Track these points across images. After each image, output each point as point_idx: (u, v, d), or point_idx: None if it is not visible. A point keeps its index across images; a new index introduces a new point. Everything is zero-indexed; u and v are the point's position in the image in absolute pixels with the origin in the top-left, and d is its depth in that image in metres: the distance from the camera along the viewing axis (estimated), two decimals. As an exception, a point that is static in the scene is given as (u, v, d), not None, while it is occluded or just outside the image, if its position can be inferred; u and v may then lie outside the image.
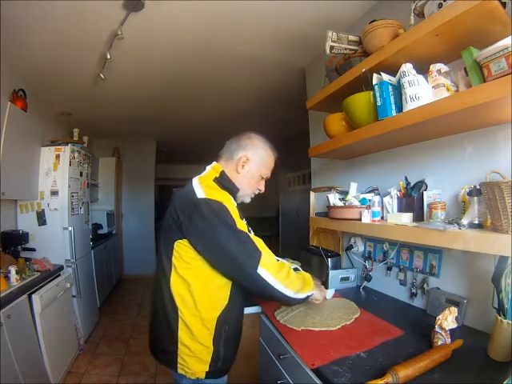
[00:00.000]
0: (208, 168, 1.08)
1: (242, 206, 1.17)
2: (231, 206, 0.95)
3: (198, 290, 0.94)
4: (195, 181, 1.00)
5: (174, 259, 0.95)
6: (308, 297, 1.02)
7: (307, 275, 1.07)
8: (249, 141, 1.08)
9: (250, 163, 1.06)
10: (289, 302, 1.06)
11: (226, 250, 0.90)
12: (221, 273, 0.95)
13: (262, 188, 1.14)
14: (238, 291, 1.01)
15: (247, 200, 1.12)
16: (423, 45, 1.04)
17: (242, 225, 0.94)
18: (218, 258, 0.93)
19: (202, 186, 0.97)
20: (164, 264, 0.97)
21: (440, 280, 1.24)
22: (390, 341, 1.01)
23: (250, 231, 1.00)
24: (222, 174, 1.04)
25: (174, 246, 0.94)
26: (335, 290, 1.41)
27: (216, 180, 1.01)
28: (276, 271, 0.92)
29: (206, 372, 0.96)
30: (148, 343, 1.09)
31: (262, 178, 1.12)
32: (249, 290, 0.98)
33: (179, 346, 0.95)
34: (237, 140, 1.09)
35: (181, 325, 0.95)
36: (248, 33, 1.91)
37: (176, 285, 0.95)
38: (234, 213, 0.94)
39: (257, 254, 0.91)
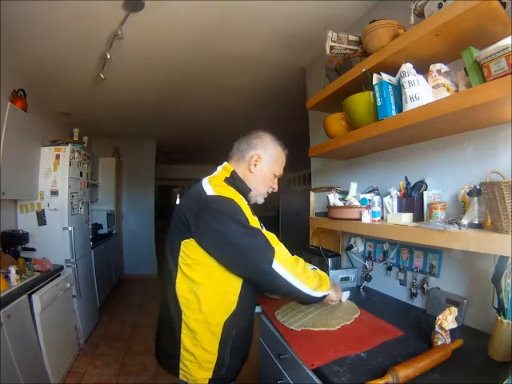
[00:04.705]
0: (219, 168, 1.06)
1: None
2: (242, 202, 0.93)
3: (204, 292, 0.92)
4: (205, 180, 0.98)
5: (180, 260, 0.93)
6: (324, 296, 1.02)
7: (323, 274, 1.05)
8: (259, 139, 1.06)
9: (262, 161, 1.05)
10: (306, 300, 1.01)
11: (239, 247, 0.88)
12: (234, 272, 0.93)
13: (276, 186, 1.12)
14: (247, 297, 0.98)
15: (260, 200, 1.09)
16: (423, 45, 1.04)
17: (254, 221, 0.92)
18: (231, 257, 0.91)
19: (212, 184, 0.95)
20: (170, 265, 0.96)
21: (440, 280, 1.24)
22: (389, 341, 1.01)
23: (262, 227, 0.97)
24: (233, 173, 1.02)
25: (181, 247, 0.92)
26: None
27: (227, 180, 1.00)
28: (291, 266, 0.91)
29: (209, 379, 0.93)
30: (154, 346, 1.07)
31: (275, 176, 1.10)
32: (265, 288, 0.96)
33: (181, 351, 0.93)
34: (246, 139, 1.08)
35: (184, 329, 0.92)
36: (248, 33, 1.91)
37: (182, 286, 0.93)
38: (246, 209, 0.92)
39: (271, 249, 0.89)
